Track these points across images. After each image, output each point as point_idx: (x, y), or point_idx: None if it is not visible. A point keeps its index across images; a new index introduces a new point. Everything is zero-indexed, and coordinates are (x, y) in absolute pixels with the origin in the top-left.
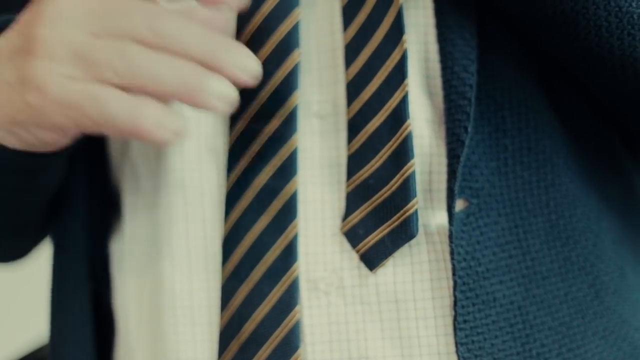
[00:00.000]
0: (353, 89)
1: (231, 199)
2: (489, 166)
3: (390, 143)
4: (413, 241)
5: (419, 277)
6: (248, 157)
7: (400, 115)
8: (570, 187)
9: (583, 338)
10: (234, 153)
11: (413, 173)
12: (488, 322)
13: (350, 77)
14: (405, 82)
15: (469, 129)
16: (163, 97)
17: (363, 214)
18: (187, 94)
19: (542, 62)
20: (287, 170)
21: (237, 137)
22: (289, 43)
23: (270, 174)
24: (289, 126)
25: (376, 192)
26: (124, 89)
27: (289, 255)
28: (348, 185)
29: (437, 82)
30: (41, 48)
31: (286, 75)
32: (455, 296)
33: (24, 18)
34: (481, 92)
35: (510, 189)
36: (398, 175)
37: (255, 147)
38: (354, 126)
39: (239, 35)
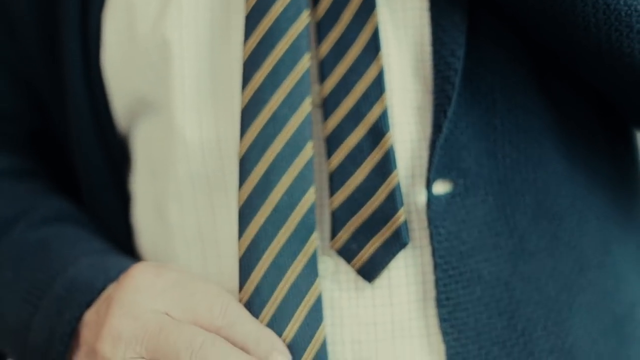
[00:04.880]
0: (330, 105)
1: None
2: (478, 146)
3: (372, 156)
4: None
5: (403, 264)
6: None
7: (380, 129)
8: (557, 167)
9: (568, 312)
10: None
11: (398, 184)
12: (472, 298)
13: (326, 93)
14: (384, 95)
15: (449, 114)
16: None
17: (352, 228)
18: None
19: (532, 47)
20: None
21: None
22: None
23: None
24: None
25: (362, 206)
26: None
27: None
28: (332, 202)
29: (429, 65)
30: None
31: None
32: (435, 275)
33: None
34: (472, 74)
35: (498, 168)
36: (383, 187)
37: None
38: (332, 141)
39: (249, 36)
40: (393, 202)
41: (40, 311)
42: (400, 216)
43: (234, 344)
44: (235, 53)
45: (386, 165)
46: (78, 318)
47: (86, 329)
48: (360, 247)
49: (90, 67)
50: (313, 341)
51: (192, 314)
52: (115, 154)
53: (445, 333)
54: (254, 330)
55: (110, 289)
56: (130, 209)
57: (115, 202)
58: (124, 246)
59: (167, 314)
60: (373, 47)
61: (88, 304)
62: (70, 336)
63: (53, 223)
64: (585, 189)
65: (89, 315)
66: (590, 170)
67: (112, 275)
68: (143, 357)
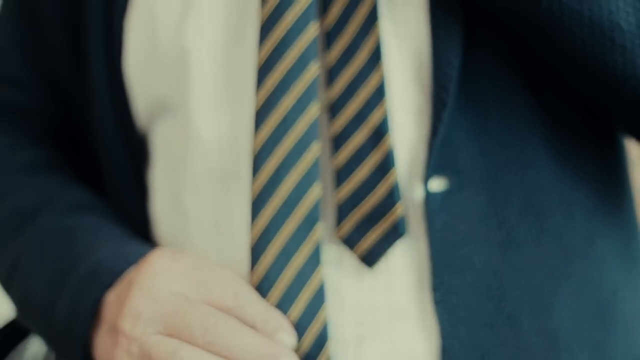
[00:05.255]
0: (336, 108)
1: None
2: (472, 147)
3: (373, 155)
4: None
5: (401, 252)
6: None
7: (381, 131)
8: (545, 166)
9: (553, 297)
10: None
11: (396, 180)
12: (464, 284)
13: (333, 97)
14: (384, 100)
15: (445, 118)
16: None
17: (354, 219)
18: None
19: (524, 55)
20: None
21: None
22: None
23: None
24: None
25: (363, 199)
26: None
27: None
28: (336, 196)
29: (428, 73)
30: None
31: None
32: (431, 263)
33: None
34: (468, 81)
35: (490, 168)
36: (382, 182)
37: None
38: (338, 141)
39: (263, 44)
40: (392, 197)
41: (65, 293)
42: (398, 209)
43: (244, 323)
44: (249, 58)
45: (386, 163)
46: (100, 299)
47: (108, 309)
48: (362, 237)
49: (114, 69)
50: (315, 321)
51: (206, 296)
52: (135, 149)
53: (439, 316)
54: (262, 310)
55: (131, 273)
56: (148, 200)
57: (135, 193)
58: (142, 234)
59: (183, 295)
60: (376, 56)
61: (109, 286)
62: (92, 316)
63: (77, 212)
64: (572, 186)
65: (110, 297)
66: (578, 169)
67: (131, 260)
68: (160, 333)
